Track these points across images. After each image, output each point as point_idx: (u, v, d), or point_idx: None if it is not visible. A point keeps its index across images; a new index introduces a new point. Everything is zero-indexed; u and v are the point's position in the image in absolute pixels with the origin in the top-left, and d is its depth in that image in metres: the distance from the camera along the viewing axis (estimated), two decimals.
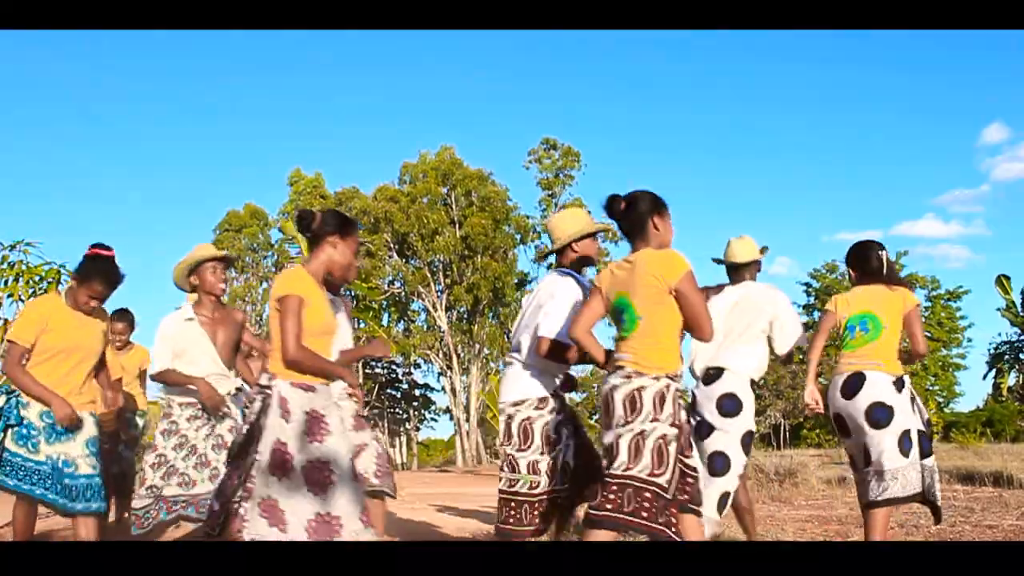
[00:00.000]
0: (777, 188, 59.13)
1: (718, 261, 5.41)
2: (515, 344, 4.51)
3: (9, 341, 4.49)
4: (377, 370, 39.44)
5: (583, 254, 4.52)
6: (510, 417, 4.38)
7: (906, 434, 4.63)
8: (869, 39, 55.77)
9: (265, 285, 36.12)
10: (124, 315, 7.03)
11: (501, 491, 4.33)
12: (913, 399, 4.85)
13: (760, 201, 56.95)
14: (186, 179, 58.71)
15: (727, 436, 5.00)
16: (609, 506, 3.51)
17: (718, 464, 4.98)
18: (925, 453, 4.71)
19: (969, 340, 42.71)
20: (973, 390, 59.12)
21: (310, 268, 3.83)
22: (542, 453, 4.28)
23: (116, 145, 56.77)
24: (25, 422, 4.47)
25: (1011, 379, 28.02)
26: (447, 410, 37.53)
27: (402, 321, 36.41)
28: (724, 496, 4.98)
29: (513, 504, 4.29)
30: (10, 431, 4.45)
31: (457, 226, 33.73)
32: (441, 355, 34.85)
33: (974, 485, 10.11)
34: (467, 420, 34.08)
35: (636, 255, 3.82)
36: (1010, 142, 60.20)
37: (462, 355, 34.98)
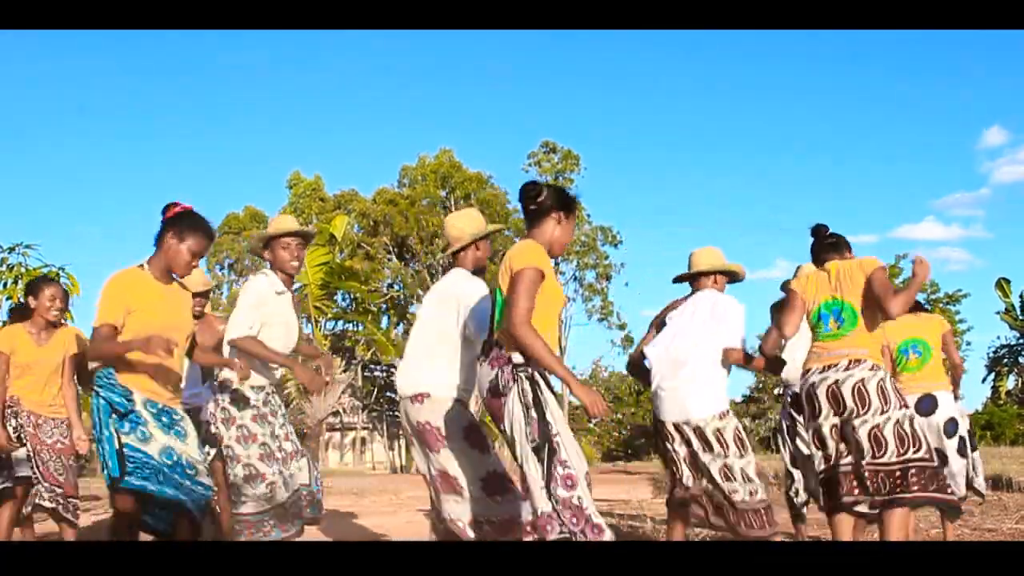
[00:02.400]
0: (776, 190, 59.13)
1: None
2: (676, 360, 4.68)
3: (94, 328, 3.83)
4: (376, 373, 39.44)
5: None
6: (719, 430, 4.56)
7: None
8: (869, 40, 55.79)
9: None
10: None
11: (743, 503, 4.46)
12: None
13: (759, 203, 56.96)
14: (185, 181, 58.68)
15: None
16: (897, 488, 3.99)
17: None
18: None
19: (968, 343, 42.74)
20: (972, 393, 58.99)
21: (540, 242, 3.66)
22: (742, 456, 4.57)
23: (115, 147, 56.72)
24: (134, 409, 3.81)
25: (1010, 382, 28.01)
26: None
27: (401, 324, 36.38)
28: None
29: (763, 511, 4.47)
30: (123, 424, 3.76)
31: None
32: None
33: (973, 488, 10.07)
34: None
35: (839, 263, 4.38)
36: (1010, 145, 60.12)
37: None
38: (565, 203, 3.74)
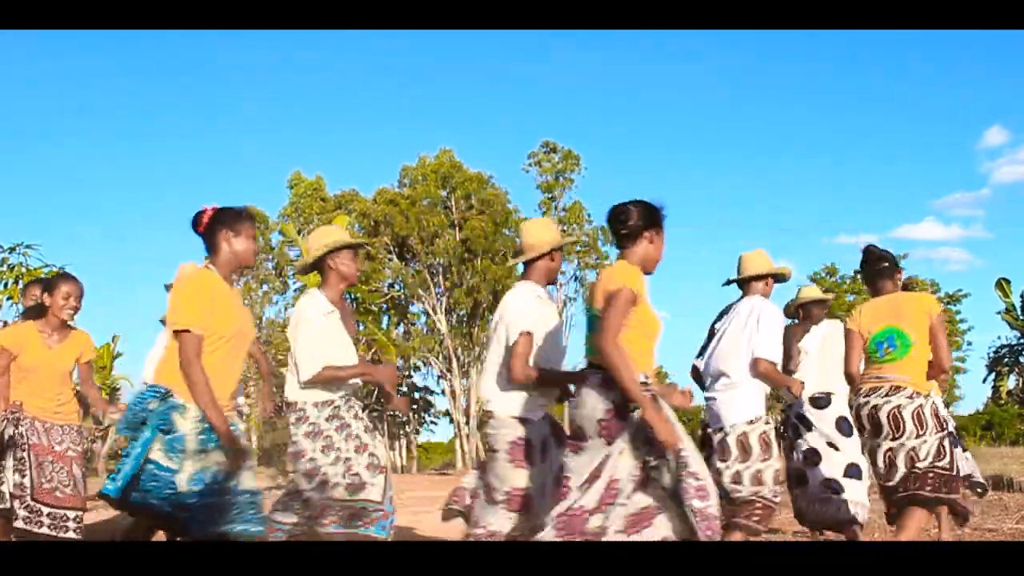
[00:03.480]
0: (777, 190, 59.10)
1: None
2: (717, 370, 4.87)
3: (181, 331, 3.54)
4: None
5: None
6: (745, 434, 4.74)
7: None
8: (868, 40, 55.78)
9: (265, 288, 36.11)
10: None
11: (763, 498, 4.70)
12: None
13: (759, 203, 56.92)
14: (185, 182, 58.69)
15: (852, 450, 5.62)
16: (929, 489, 4.39)
17: (854, 472, 5.66)
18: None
19: (969, 343, 42.70)
20: (973, 393, 59.01)
21: (634, 262, 3.71)
22: (765, 461, 4.75)
23: (115, 147, 56.71)
24: (177, 433, 3.55)
25: (1011, 382, 28.00)
26: (447, 413, 37.51)
27: (402, 324, 36.39)
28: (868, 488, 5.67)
29: (760, 508, 4.72)
30: (160, 440, 3.55)
31: (457, 229, 33.74)
32: (441, 358, 34.83)
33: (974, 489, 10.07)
34: (467, 423, 34.03)
35: (899, 295, 4.79)
36: (1011, 145, 60.12)
37: (462, 358, 34.96)
38: (655, 220, 3.77)
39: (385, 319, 35.36)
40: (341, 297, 4.55)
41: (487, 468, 4.42)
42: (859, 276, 4.99)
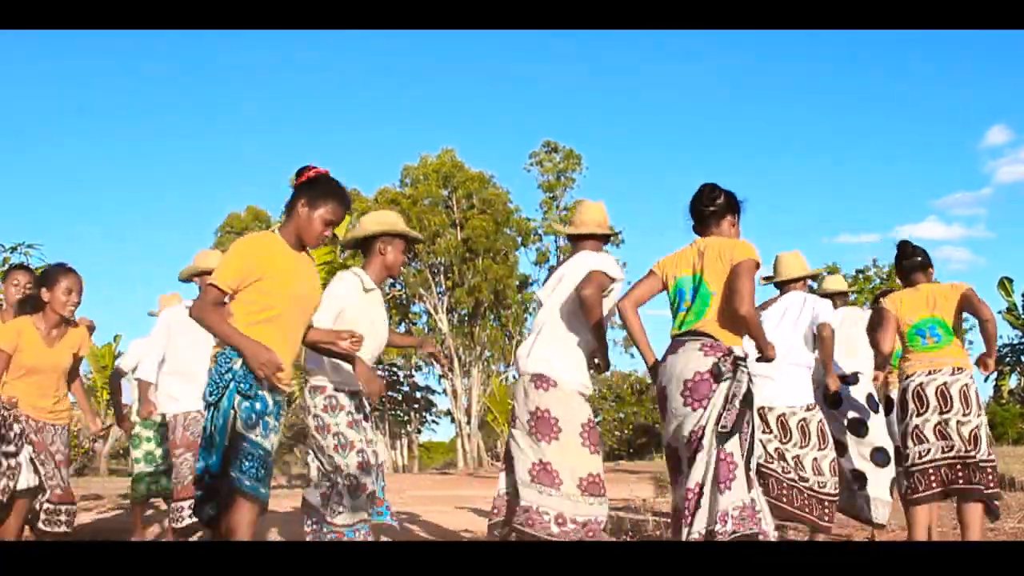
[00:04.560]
0: (777, 189, 59.07)
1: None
2: (785, 349, 4.91)
3: (206, 285, 3.48)
4: (378, 372, 39.44)
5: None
6: (805, 420, 4.97)
7: None
8: (870, 39, 55.74)
9: None
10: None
11: (822, 493, 4.90)
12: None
13: (760, 202, 56.83)
14: (187, 181, 58.74)
15: (879, 431, 5.72)
16: (980, 484, 4.65)
17: (880, 457, 5.70)
18: None
19: (970, 343, 42.65)
20: None
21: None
22: (821, 449, 5.00)
23: (116, 146, 56.76)
24: (260, 395, 3.40)
25: (1012, 381, 27.96)
26: (448, 413, 37.52)
27: (403, 323, 36.39)
28: (892, 481, 5.65)
29: (828, 504, 4.96)
30: (240, 408, 3.35)
31: (458, 228, 33.75)
32: (442, 357, 34.84)
33: None
34: (468, 423, 34.06)
35: (934, 286, 5.01)
36: (1013, 144, 59.97)
37: (463, 358, 34.98)
38: (738, 207, 3.99)
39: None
40: (380, 285, 4.38)
41: (539, 449, 4.08)
42: (895, 269, 5.34)
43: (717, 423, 3.64)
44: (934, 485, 4.84)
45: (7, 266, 10.76)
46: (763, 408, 4.99)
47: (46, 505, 4.84)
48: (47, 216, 54.22)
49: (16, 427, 4.74)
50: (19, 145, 53.51)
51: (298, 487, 16.90)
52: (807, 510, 5.00)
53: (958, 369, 4.87)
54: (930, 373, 4.88)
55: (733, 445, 3.65)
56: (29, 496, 4.78)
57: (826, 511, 5.04)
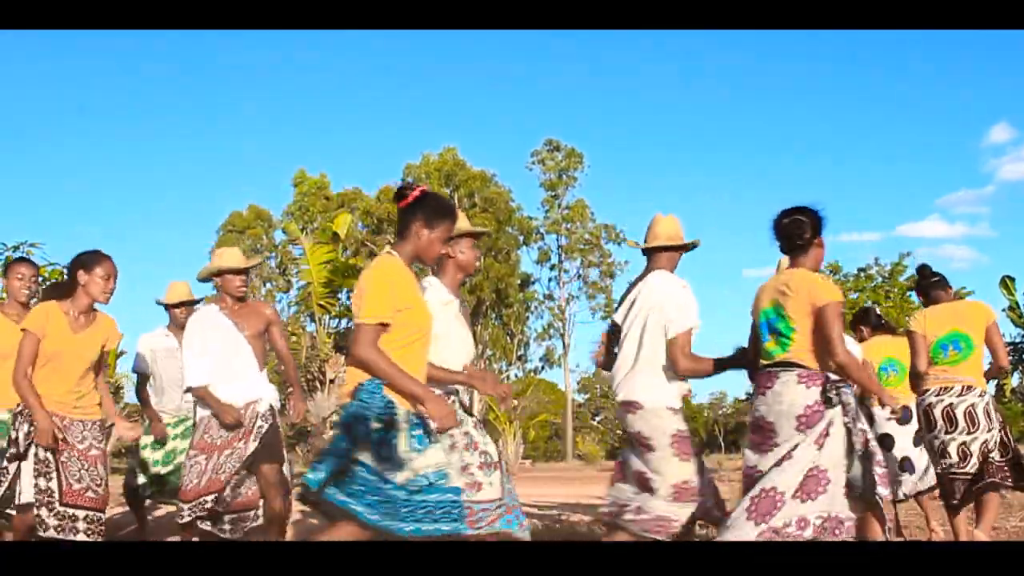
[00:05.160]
0: (779, 188, 59.03)
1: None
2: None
3: (360, 325, 3.29)
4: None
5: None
6: (953, 405, 5.18)
7: None
8: (872, 39, 55.69)
9: (268, 286, 36.17)
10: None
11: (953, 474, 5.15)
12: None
13: (762, 201, 56.89)
14: (189, 180, 58.82)
15: (906, 441, 5.92)
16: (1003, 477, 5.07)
17: (908, 466, 5.93)
18: None
19: None
20: None
21: (809, 267, 4.07)
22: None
23: (119, 146, 56.86)
24: (393, 432, 3.26)
25: (1015, 380, 27.92)
26: None
27: None
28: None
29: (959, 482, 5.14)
30: (371, 441, 3.24)
31: None
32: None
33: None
34: None
35: (958, 303, 5.49)
36: (1015, 143, 60.17)
37: None
38: (822, 225, 4.10)
39: None
40: (458, 288, 4.23)
41: (636, 463, 4.29)
42: (917, 289, 5.73)
43: (817, 443, 3.82)
44: (959, 495, 5.17)
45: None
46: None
47: (59, 509, 4.38)
48: (48, 215, 54.40)
49: (24, 427, 4.42)
50: (20, 145, 53.62)
51: (296, 488, 16.90)
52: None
53: (967, 388, 5.13)
54: (939, 393, 5.18)
55: (834, 463, 3.81)
56: (28, 511, 4.38)
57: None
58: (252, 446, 4.82)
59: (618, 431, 45.11)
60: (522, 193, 54.40)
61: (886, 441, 6.00)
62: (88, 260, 4.52)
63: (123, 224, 56.05)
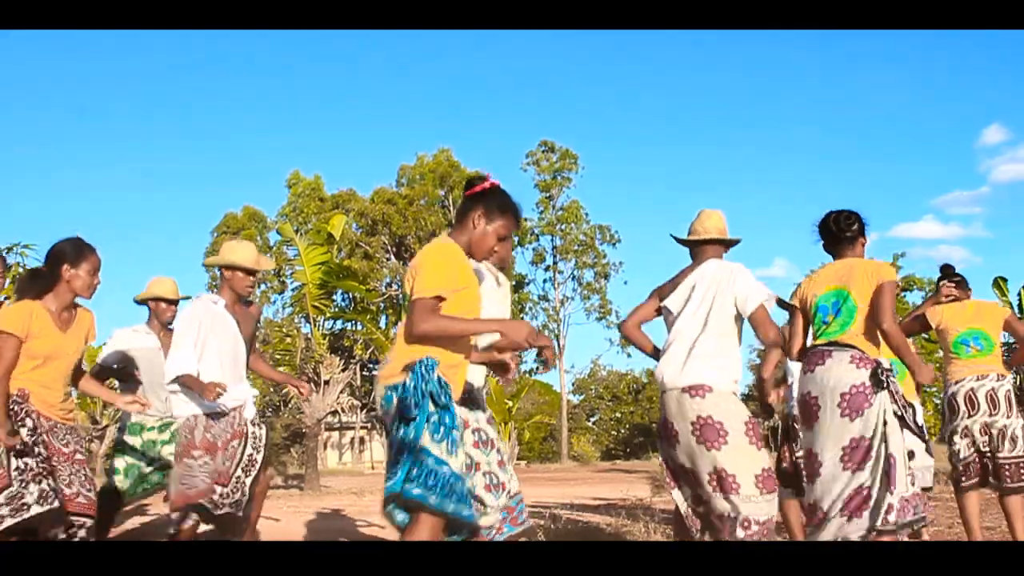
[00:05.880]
0: (774, 189, 59.20)
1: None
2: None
3: (419, 299, 3.22)
4: (375, 372, 39.38)
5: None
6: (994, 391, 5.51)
7: None
8: (867, 39, 55.85)
9: (263, 287, 36.08)
10: None
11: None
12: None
13: (757, 202, 57.00)
14: (183, 182, 58.73)
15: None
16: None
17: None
18: None
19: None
20: None
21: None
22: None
23: (113, 147, 56.77)
24: (452, 409, 3.22)
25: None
26: None
27: (399, 323, 36.36)
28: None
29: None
30: (431, 422, 3.16)
31: None
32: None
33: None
34: None
35: (979, 301, 5.73)
36: (1010, 143, 60.29)
37: None
38: (867, 225, 4.42)
39: (383, 318, 35.35)
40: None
41: (702, 463, 4.07)
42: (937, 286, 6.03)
43: (884, 426, 4.01)
44: (974, 476, 5.57)
45: (7, 269, 10.75)
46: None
47: (81, 520, 4.18)
48: (41, 217, 54.22)
49: (29, 421, 4.12)
50: (18, 145, 53.46)
51: (294, 487, 16.90)
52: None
53: (1001, 376, 5.54)
54: (979, 379, 5.52)
55: (896, 446, 4.00)
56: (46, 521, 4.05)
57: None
58: (251, 451, 4.81)
59: (613, 432, 45.14)
60: (517, 194, 54.22)
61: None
62: (73, 253, 4.21)
63: (116, 225, 55.97)
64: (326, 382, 19.05)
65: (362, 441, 40.40)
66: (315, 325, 20.96)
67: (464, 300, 3.31)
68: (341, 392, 20.00)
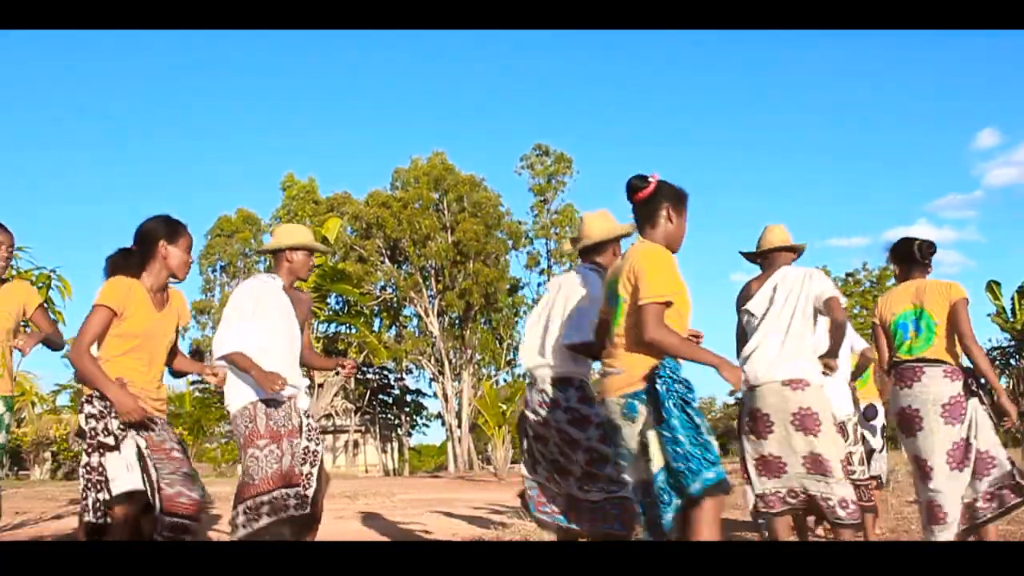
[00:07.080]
0: (769, 194, 59.32)
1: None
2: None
3: (652, 304, 3.27)
4: (369, 375, 39.35)
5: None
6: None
7: None
8: (862, 42, 56.08)
9: None
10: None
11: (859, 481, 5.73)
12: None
13: (752, 207, 57.14)
14: (178, 184, 58.62)
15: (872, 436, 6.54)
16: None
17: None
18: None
19: None
20: None
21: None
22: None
23: (107, 149, 56.67)
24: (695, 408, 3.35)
25: (1001, 383, 28.01)
26: (439, 416, 37.49)
27: (394, 327, 36.36)
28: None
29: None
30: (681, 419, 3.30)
31: (449, 232, 33.73)
32: (433, 361, 34.80)
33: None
34: (459, 426, 34.02)
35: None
36: (1003, 147, 60.60)
37: (454, 361, 34.95)
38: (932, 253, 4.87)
39: (377, 321, 35.33)
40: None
41: (800, 446, 4.50)
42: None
43: (977, 428, 4.58)
44: None
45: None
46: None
47: (165, 519, 3.79)
48: (34, 219, 54.10)
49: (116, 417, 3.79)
50: (17, 145, 53.33)
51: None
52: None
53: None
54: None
55: (993, 443, 4.61)
56: (134, 503, 3.77)
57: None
58: (313, 445, 4.47)
59: None
60: (511, 198, 54.53)
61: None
62: (168, 230, 4.02)
63: (111, 227, 55.87)
64: (320, 386, 19.02)
65: (356, 444, 40.35)
66: (309, 328, 20.89)
67: (681, 303, 3.41)
68: (335, 395, 19.99)
